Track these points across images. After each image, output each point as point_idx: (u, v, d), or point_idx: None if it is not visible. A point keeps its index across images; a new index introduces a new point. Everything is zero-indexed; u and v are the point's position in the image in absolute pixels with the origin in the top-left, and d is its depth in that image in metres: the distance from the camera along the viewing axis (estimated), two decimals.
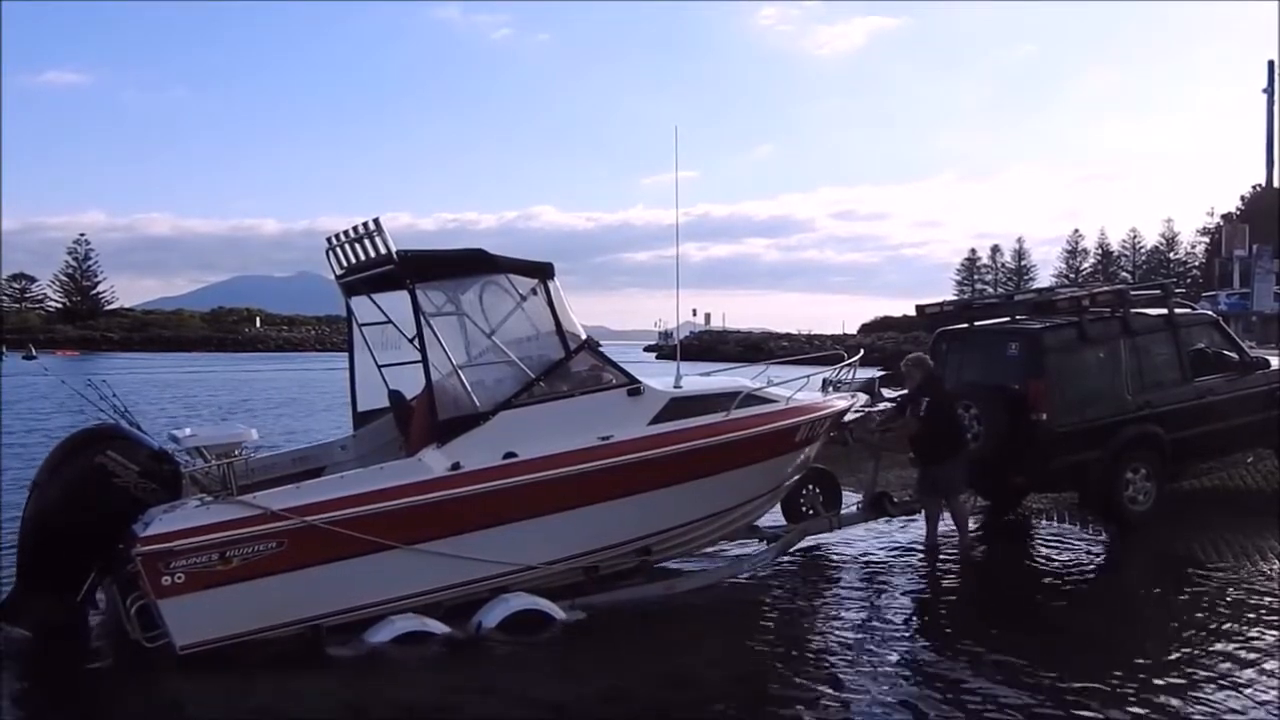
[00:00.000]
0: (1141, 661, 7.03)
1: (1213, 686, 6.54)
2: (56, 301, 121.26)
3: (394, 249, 7.72)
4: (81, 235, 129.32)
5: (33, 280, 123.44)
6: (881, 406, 11.08)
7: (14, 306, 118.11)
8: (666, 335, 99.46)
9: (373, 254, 7.93)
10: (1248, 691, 6.45)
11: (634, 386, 8.40)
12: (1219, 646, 7.34)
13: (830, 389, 10.37)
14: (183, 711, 6.81)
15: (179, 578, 6.81)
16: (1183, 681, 6.64)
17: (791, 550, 10.00)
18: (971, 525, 10.87)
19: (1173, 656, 7.16)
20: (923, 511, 10.74)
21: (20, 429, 21.36)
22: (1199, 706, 6.24)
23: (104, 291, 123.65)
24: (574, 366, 8.36)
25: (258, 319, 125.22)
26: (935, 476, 10.35)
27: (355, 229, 8.06)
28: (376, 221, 7.80)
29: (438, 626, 7.49)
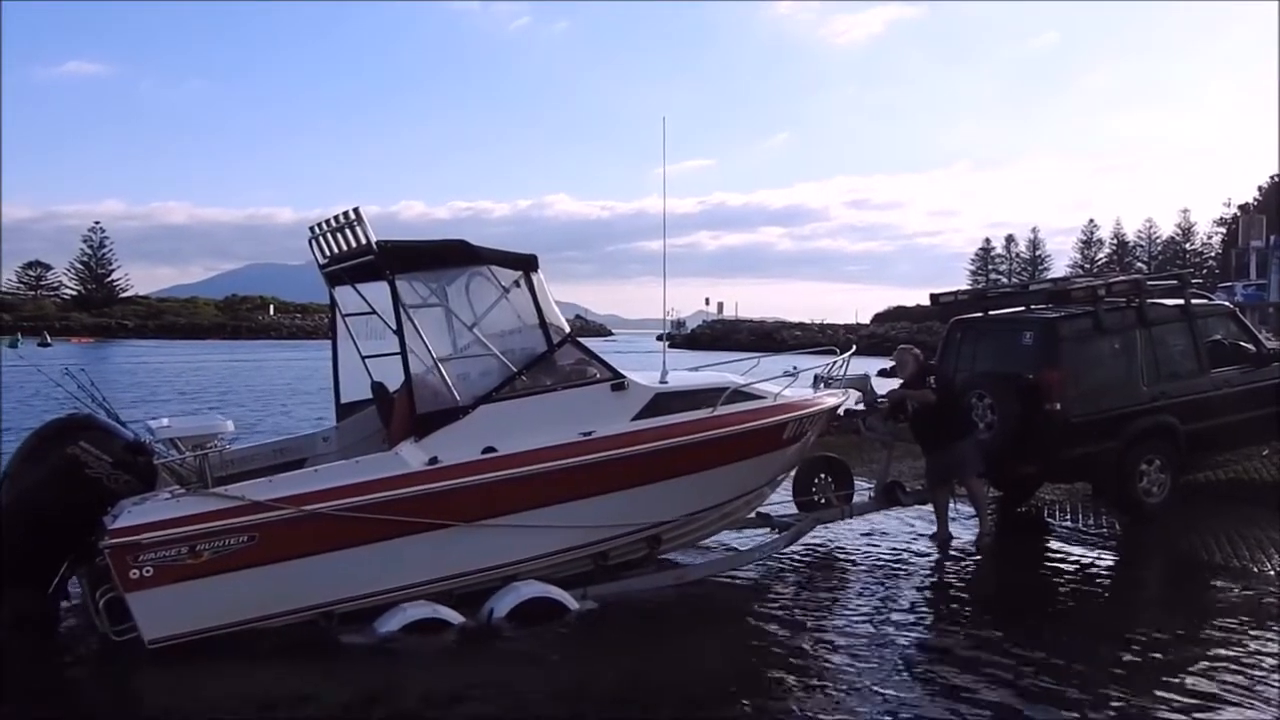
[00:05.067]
0: (1153, 656, 6.92)
1: (1224, 683, 6.40)
2: (72, 289, 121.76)
3: (373, 239, 7.57)
4: (96, 223, 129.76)
5: (49, 268, 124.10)
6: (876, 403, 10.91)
7: (30, 294, 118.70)
8: (680, 324, 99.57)
9: (353, 244, 7.78)
10: (1259, 688, 6.33)
11: (618, 381, 8.25)
12: (1232, 643, 7.20)
13: (821, 385, 10.15)
14: (154, 701, 6.65)
15: (148, 571, 6.72)
16: (1194, 677, 6.51)
17: (803, 540, 9.88)
18: (953, 516, 10.63)
19: (1185, 653, 7.02)
20: (933, 503, 10.54)
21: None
22: (1208, 703, 6.10)
23: (119, 279, 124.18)
24: (558, 360, 8.23)
25: (271, 307, 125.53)
26: (945, 462, 10.15)
27: (336, 218, 7.94)
28: (356, 211, 7.67)
29: (450, 614, 7.41)
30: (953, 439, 10.05)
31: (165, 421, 7.75)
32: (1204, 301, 12.82)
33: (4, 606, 7.24)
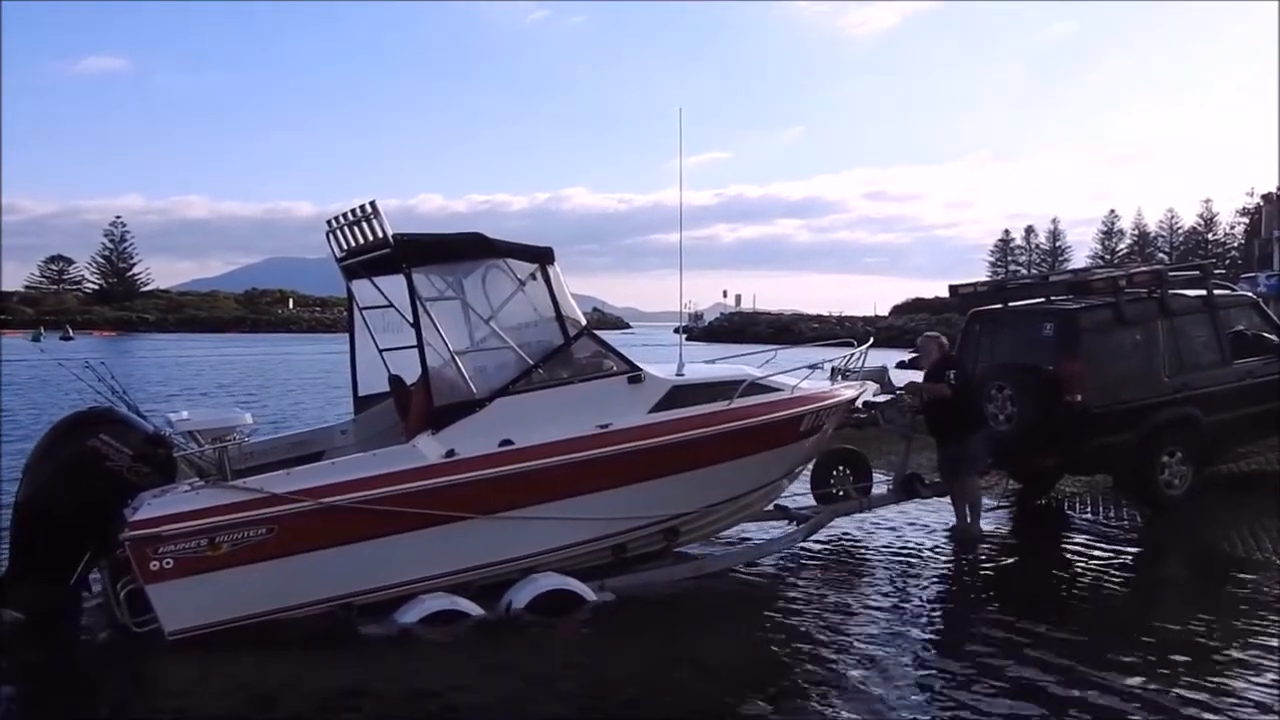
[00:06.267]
0: (1175, 652, 6.83)
1: (1248, 680, 6.34)
2: (93, 283, 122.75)
3: (390, 232, 7.57)
4: (118, 218, 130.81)
5: (70, 262, 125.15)
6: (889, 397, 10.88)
7: (52, 288, 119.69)
8: (697, 316, 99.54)
9: (370, 237, 7.78)
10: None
11: (634, 374, 8.24)
12: (1255, 637, 7.13)
13: (839, 377, 10.12)
14: (174, 692, 6.64)
15: (168, 563, 6.75)
16: (1217, 673, 6.44)
17: (821, 532, 9.85)
18: (991, 507, 10.54)
19: (1207, 648, 6.95)
20: (951, 496, 10.48)
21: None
22: (1233, 698, 6.04)
23: (140, 273, 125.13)
24: (574, 353, 8.21)
25: (291, 300, 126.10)
26: (954, 455, 10.10)
27: (353, 212, 7.93)
28: (373, 204, 7.67)
29: (468, 606, 7.43)
30: (963, 432, 9.98)
31: (184, 414, 7.78)
32: (1226, 292, 12.70)
33: (25, 597, 7.28)
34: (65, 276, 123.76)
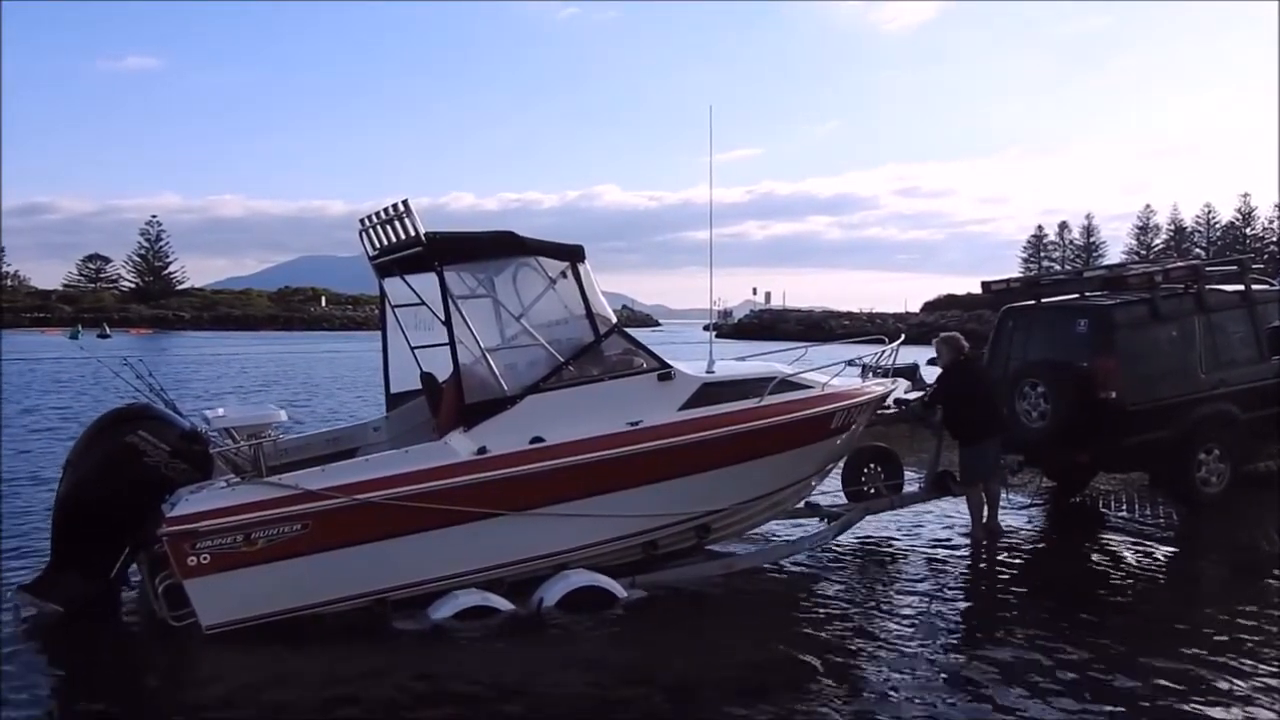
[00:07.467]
0: (1213, 652, 6.74)
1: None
2: (130, 281, 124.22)
3: (422, 231, 7.63)
4: (153, 217, 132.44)
5: (108, 260, 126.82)
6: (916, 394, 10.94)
7: (90, 286, 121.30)
8: (727, 314, 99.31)
9: (402, 235, 7.84)
10: None
11: (664, 371, 8.27)
12: None
13: (870, 374, 10.09)
14: (211, 684, 6.72)
15: (205, 558, 6.85)
16: (1256, 673, 6.36)
17: (852, 530, 9.82)
18: (1005, 506, 10.44)
19: (1246, 648, 6.85)
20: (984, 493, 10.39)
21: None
22: (1252, 699, 5.98)
23: (175, 271, 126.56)
24: (605, 350, 8.25)
25: (323, 298, 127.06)
26: (964, 457, 10.09)
27: (385, 210, 8.01)
28: (405, 203, 7.74)
29: (500, 602, 7.49)
30: (975, 438, 9.93)
31: (220, 411, 7.91)
32: (1265, 287, 12.57)
33: (65, 591, 7.40)
34: (103, 275, 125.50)
